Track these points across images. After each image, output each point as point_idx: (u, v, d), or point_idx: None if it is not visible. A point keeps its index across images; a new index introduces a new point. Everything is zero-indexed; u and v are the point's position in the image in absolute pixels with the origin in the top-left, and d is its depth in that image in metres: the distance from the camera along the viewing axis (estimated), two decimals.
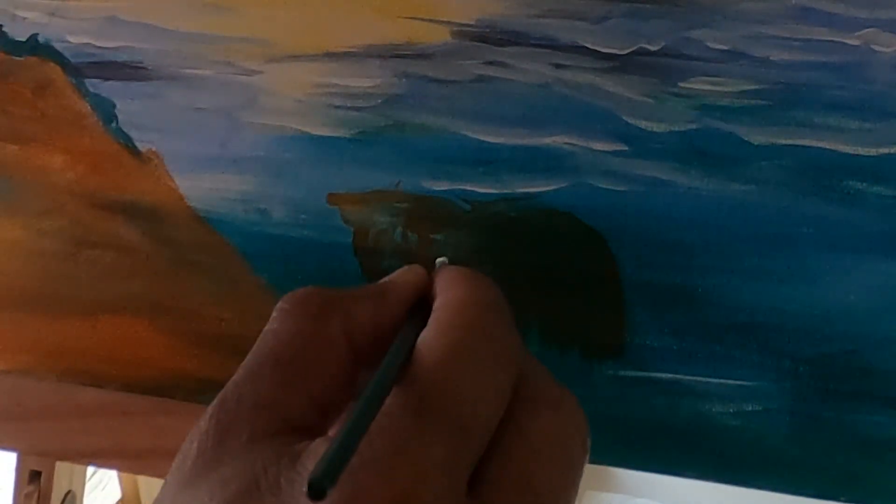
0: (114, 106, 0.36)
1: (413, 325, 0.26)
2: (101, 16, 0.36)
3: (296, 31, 0.35)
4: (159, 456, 0.39)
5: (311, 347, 0.25)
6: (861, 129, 0.32)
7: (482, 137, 0.34)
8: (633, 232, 0.33)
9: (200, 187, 0.36)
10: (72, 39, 0.36)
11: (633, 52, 0.33)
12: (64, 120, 0.37)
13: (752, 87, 0.32)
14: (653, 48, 0.32)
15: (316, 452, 0.22)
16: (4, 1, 0.37)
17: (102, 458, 0.40)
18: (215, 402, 0.24)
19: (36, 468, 0.50)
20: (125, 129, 0.37)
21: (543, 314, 0.34)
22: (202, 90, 0.36)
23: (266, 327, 0.26)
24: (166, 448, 0.38)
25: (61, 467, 0.52)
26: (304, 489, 0.19)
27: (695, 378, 0.33)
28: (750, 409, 0.33)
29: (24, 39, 0.37)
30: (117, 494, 0.84)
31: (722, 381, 0.33)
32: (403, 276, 0.29)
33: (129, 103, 0.36)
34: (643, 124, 0.33)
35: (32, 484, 0.50)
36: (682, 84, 0.32)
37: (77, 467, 0.55)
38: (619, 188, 0.33)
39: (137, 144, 0.37)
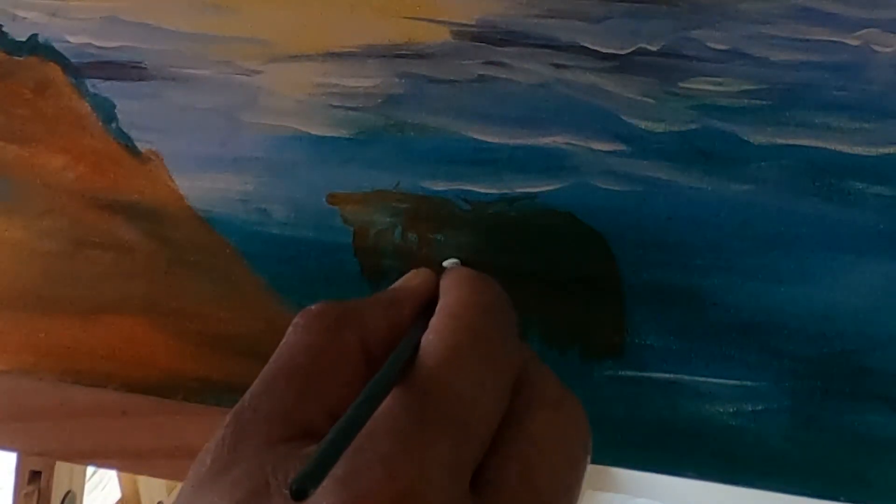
0: (114, 106, 0.36)
1: (418, 327, 0.26)
2: (101, 16, 0.36)
3: (296, 31, 0.35)
4: (159, 456, 0.39)
5: (326, 358, 0.26)
6: (861, 129, 0.32)
7: (482, 137, 0.34)
8: (633, 232, 0.33)
9: (200, 187, 0.36)
10: (72, 39, 0.36)
11: (633, 52, 0.33)
12: (64, 120, 0.37)
13: (752, 87, 0.32)
14: (653, 48, 0.32)
15: None
16: (4, 1, 0.37)
17: (102, 458, 0.40)
18: (231, 412, 0.25)
19: (36, 468, 0.50)
20: (125, 129, 0.37)
21: (543, 314, 0.34)
22: (202, 90, 0.36)
23: (282, 341, 0.27)
24: (166, 448, 0.38)
25: (61, 467, 0.52)
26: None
27: (695, 378, 0.33)
28: (750, 409, 0.33)
29: (24, 39, 0.37)
30: (117, 494, 0.84)
31: (722, 381, 0.33)
32: (413, 280, 0.30)
33: (129, 103, 0.36)
34: (643, 124, 0.33)
35: (32, 484, 0.50)
36: (682, 84, 0.32)
37: (77, 467, 0.55)
38: (618, 188, 0.33)
39: (137, 144, 0.37)
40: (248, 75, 0.35)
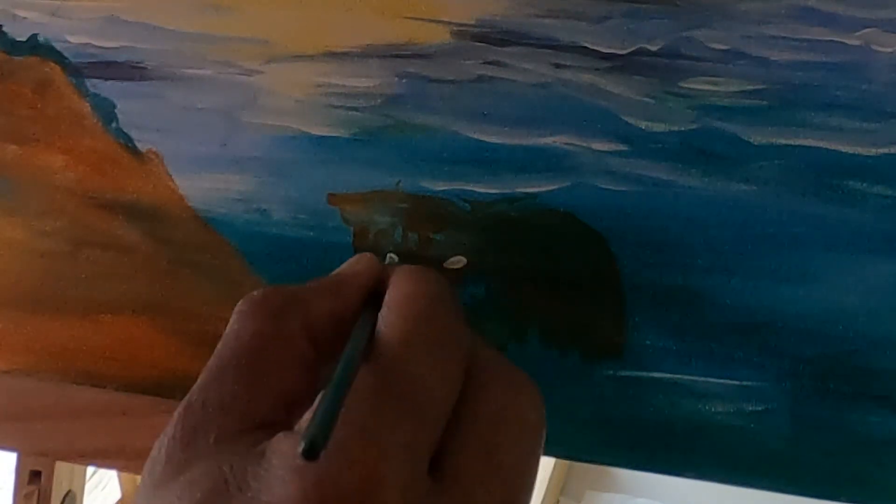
0: (114, 106, 0.36)
1: (370, 313, 0.27)
2: (101, 16, 0.36)
3: (296, 31, 0.35)
4: None
5: (272, 346, 0.26)
6: (861, 129, 0.32)
7: (482, 137, 0.34)
8: (633, 232, 0.33)
9: (200, 187, 0.36)
10: (72, 39, 0.36)
11: (633, 52, 0.33)
12: (64, 120, 0.37)
13: (752, 87, 0.32)
14: (653, 48, 0.32)
15: (279, 447, 0.23)
16: (4, 1, 0.37)
17: (102, 458, 0.40)
18: (180, 407, 0.25)
19: (36, 468, 0.50)
20: (125, 129, 0.37)
21: (543, 314, 0.34)
22: (202, 90, 0.36)
23: (226, 330, 0.27)
24: None
25: (61, 467, 0.52)
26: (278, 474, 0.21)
27: (695, 378, 0.33)
28: (750, 409, 0.33)
29: (24, 39, 0.37)
30: (117, 494, 0.84)
31: (722, 381, 0.33)
32: (356, 266, 0.30)
33: (129, 103, 0.36)
34: (643, 124, 0.33)
35: (32, 484, 0.50)
36: (682, 84, 0.32)
37: (77, 467, 0.55)
38: (618, 188, 0.33)
39: (137, 144, 0.37)
40: (248, 75, 0.35)
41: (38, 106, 0.37)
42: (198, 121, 0.36)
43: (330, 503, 0.21)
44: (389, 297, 0.27)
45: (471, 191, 0.34)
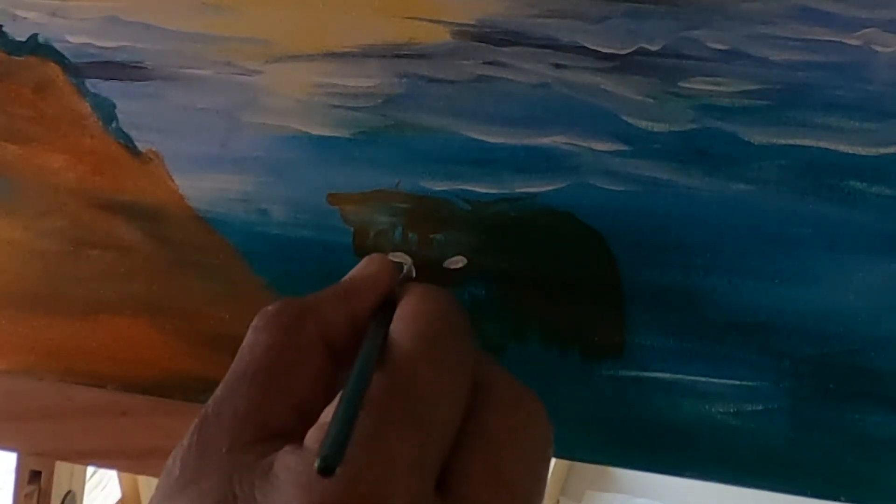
0: (114, 106, 0.36)
1: (381, 322, 0.27)
2: (101, 16, 0.36)
3: (296, 31, 0.35)
4: (159, 456, 0.38)
5: (288, 356, 0.26)
6: (861, 129, 0.32)
7: (482, 137, 0.34)
8: (633, 232, 0.33)
9: (200, 187, 0.36)
10: (72, 39, 0.36)
11: (633, 52, 0.33)
12: (64, 120, 0.37)
13: (752, 87, 0.32)
14: (653, 48, 0.32)
15: (286, 461, 0.23)
16: (4, 1, 0.37)
17: (102, 458, 0.40)
18: (197, 419, 0.25)
19: (36, 468, 0.50)
20: (125, 129, 0.37)
21: (543, 314, 0.34)
22: (202, 90, 0.36)
23: (242, 344, 0.27)
24: (166, 448, 0.38)
25: (61, 467, 0.52)
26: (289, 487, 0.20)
27: (695, 378, 0.33)
28: (750, 409, 0.33)
29: (24, 39, 0.37)
30: (117, 494, 0.84)
31: (722, 381, 0.33)
32: (368, 268, 0.30)
33: (129, 103, 0.36)
34: (643, 124, 0.33)
35: (32, 484, 0.50)
36: (682, 84, 0.32)
37: (77, 467, 0.55)
38: (618, 188, 0.33)
39: (137, 144, 0.37)
40: (248, 75, 0.35)
41: (38, 106, 0.37)
42: (198, 121, 0.36)
43: None
44: (399, 314, 0.27)
45: (471, 191, 0.34)
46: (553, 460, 0.29)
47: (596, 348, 0.34)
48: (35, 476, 0.50)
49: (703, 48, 0.32)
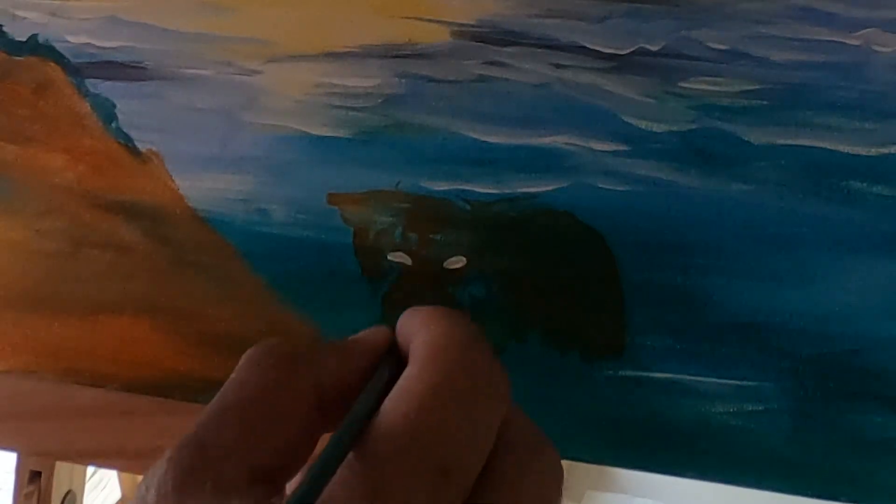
0: (114, 106, 0.36)
1: (381, 374, 0.26)
2: (101, 16, 0.36)
3: (296, 31, 0.35)
4: (159, 456, 0.38)
5: (278, 397, 0.25)
6: (861, 129, 0.32)
7: (482, 137, 0.34)
8: (633, 232, 0.33)
9: (200, 187, 0.36)
10: (72, 39, 0.36)
11: (633, 52, 0.33)
12: (64, 120, 0.37)
13: (752, 87, 0.32)
14: (653, 48, 0.32)
15: None
16: (4, 1, 0.37)
17: (102, 458, 0.40)
18: (176, 446, 0.23)
19: (36, 468, 0.50)
20: (125, 129, 0.37)
21: (543, 314, 0.34)
22: (202, 90, 0.36)
23: (231, 376, 0.26)
24: (166, 448, 0.38)
25: (61, 467, 0.52)
26: None
27: (695, 378, 0.33)
28: (750, 409, 0.33)
29: (24, 39, 0.37)
30: (117, 494, 0.84)
31: (722, 381, 0.33)
32: (370, 334, 0.28)
33: (129, 103, 0.36)
34: (643, 124, 0.33)
35: (32, 484, 0.50)
36: (682, 84, 0.32)
37: (77, 467, 0.55)
38: (619, 188, 0.33)
39: (137, 144, 0.37)
40: (248, 75, 0.35)
41: (38, 106, 0.37)
42: (198, 121, 0.36)
43: None
44: (416, 343, 0.25)
45: (471, 191, 0.34)
46: None
47: (596, 348, 0.34)
48: (35, 476, 0.50)
49: (703, 48, 0.32)
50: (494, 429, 0.24)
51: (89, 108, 0.37)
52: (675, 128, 0.33)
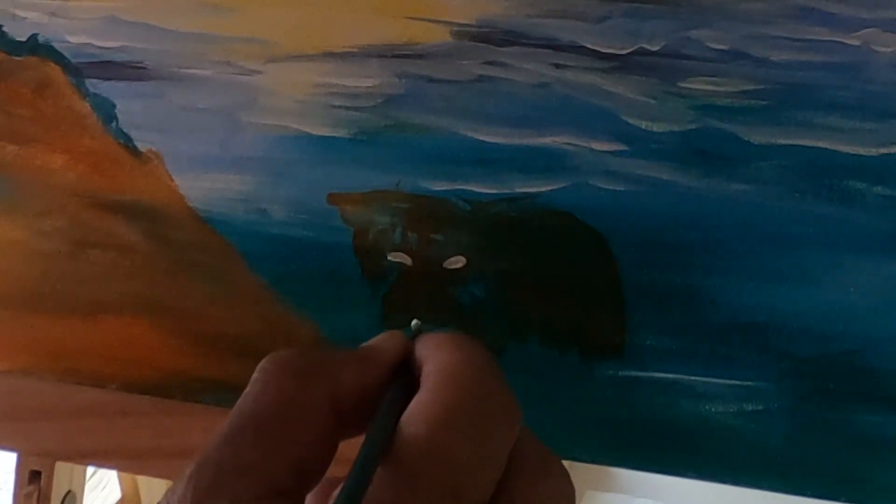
0: (114, 106, 0.36)
1: (396, 392, 0.26)
2: (101, 16, 0.36)
3: (296, 31, 0.35)
4: (159, 456, 0.39)
5: (294, 411, 0.25)
6: (861, 129, 0.32)
7: (482, 137, 0.34)
8: (633, 232, 0.33)
9: (200, 187, 0.36)
10: (72, 39, 0.36)
11: (633, 52, 0.33)
12: (64, 120, 0.37)
13: (752, 87, 0.32)
14: (653, 48, 0.32)
15: None
16: (4, 1, 0.37)
17: (102, 458, 0.40)
18: (193, 465, 0.23)
19: (36, 468, 0.50)
20: (125, 129, 0.37)
21: (543, 314, 0.34)
22: (202, 90, 0.36)
23: (247, 389, 0.25)
24: (166, 448, 0.38)
25: (61, 467, 0.52)
26: None
27: (695, 378, 0.33)
28: (750, 409, 0.33)
29: (24, 39, 0.37)
30: (117, 494, 0.84)
31: (722, 381, 0.33)
32: (385, 341, 0.28)
33: (129, 103, 0.36)
34: (643, 124, 0.33)
35: (32, 484, 0.50)
36: (682, 84, 0.32)
37: (77, 467, 0.55)
38: (619, 188, 0.33)
39: (137, 144, 0.37)
40: (248, 75, 0.35)
41: (38, 106, 0.37)
42: (198, 121, 0.36)
43: None
44: (429, 368, 0.25)
45: (471, 191, 0.34)
46: None
47: (596, 348, 0.34)
48: (35, 476, 0.50)
49: (703, 48, 0.32)
50: (506, 452, 0.24)
51: (89, 108, 0.37)
52: (675, 128, 0.33)
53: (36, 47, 0.37)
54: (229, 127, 0.36)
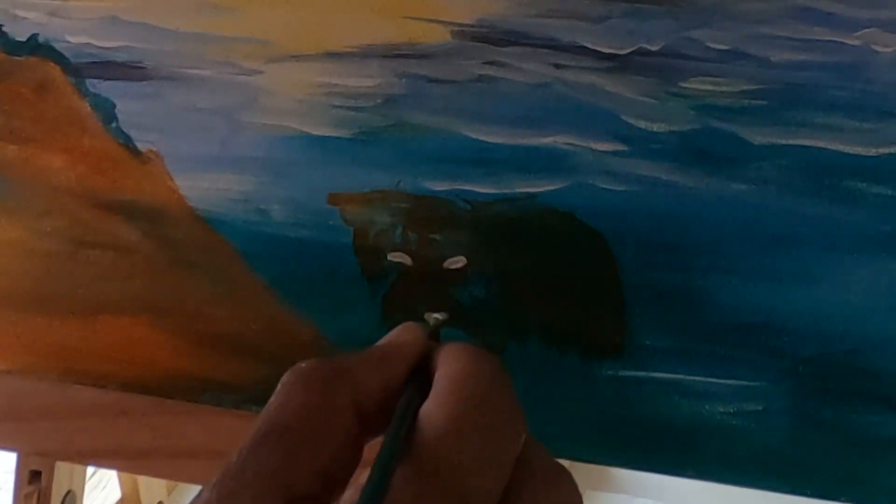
0: (114, 106, 0.36)
1: (413, 391, 0.26)
2: (101, 16, 0.36)
3: (296, 31, 0.35)
4: (159, 456, 0.39)
5: (318, 419, 0.25)
6: (861, 129, 0.32)
7: (482, 137, 0.34)
8: (633, 232, 0.33)
9: (200, 187, 0.36)
10: (72, 39, 0.36)
11: (633, 52, 0.33)
12: (64, 120, 0.37)
13: (752, 87, 0.32)
14: (653, 48, 0.32)
15: None
16: (4, 1, 0.37)
17: (102, 458, 0.40)
18: (219, 472, 0.24)
19: (36, 468, 0.50)
20: (125, 129, 0.37)
21: (543, 314, 0.34)
22: (202, 90, 0.36)
23: (271, 399, 0.26)
24: (166, 448, 0.38)
25: (61, 467, 0.52)
26: None
27: (695, 378, 0.33)
28: (750, 409, 0.33)
29: (24, 39, 0.37)
30: (117, 494, 0.84)
31: (722, 381, 0.33)
32: (402, 336, 0.29)
33: (129, 103, 0.36)
34: (643, 124, 0.33)
35: (32, 484, 0.50)
36: (682, 84, 0.32)
37: (77, 467, 0.55)
38: (619, 188, 0.33)
39: (137, 144, 0.37)
40: (248, 75, 0.35)
41: (38, 106, 0.37)
42: (198, 121, 0.36)
43: None
44: (440, 375, 0.26)
45: (471, 191, 0.34)
46: None
47: (596, 348, 0.34)
48: (35, 476, 0.50)
49: (703, 48, 0.32)
50: (512, 461, 0.24)
51: (89, 108, 0.37)
52: (675, 128, 0.33)
53: (36, 47, 0.37)
54: (229, 127, 0.36)
